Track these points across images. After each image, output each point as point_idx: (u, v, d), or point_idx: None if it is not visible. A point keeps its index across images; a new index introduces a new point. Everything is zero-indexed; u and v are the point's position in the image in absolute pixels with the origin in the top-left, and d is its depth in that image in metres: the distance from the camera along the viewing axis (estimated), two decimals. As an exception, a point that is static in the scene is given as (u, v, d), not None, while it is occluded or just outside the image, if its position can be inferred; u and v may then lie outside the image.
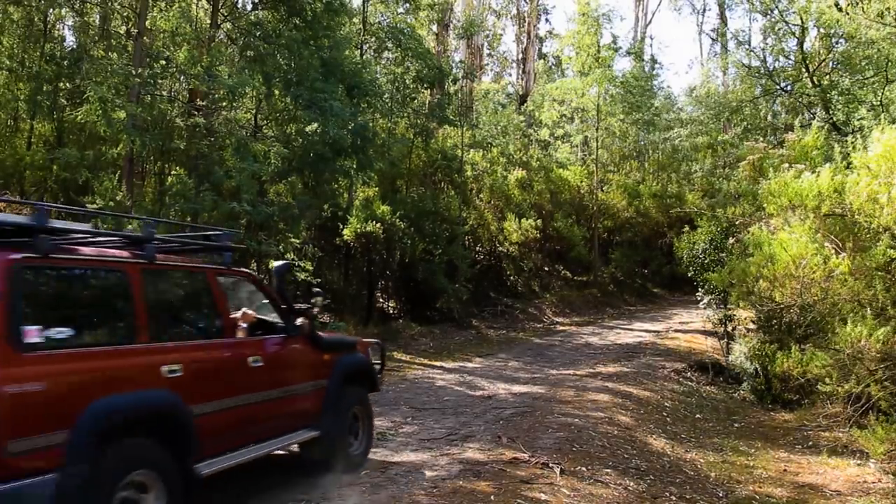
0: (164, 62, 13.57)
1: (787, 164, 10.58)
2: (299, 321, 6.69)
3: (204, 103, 13.65)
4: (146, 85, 12.80)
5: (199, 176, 13.05)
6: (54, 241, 4.67)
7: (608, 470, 8.12)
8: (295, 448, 7.08)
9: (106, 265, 5.11)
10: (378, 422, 10.16)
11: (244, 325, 6.57)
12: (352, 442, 7.37)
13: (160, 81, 13.78)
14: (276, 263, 7.41)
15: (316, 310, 6.93)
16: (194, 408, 5.16)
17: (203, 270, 6.09)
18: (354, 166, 15.58)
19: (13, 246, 4.41)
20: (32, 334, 4.24)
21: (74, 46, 16.95)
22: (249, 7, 16.50)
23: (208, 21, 15.20)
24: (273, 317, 6.75)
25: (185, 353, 5.32)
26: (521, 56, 39.99)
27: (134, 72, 12.29)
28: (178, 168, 14.78)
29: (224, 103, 13.79)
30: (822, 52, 21.54)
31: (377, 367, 8.02)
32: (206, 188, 12.80)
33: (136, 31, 13.76)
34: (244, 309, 6.67)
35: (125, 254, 5.34)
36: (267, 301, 6.76)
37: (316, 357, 6.84)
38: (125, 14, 16.30)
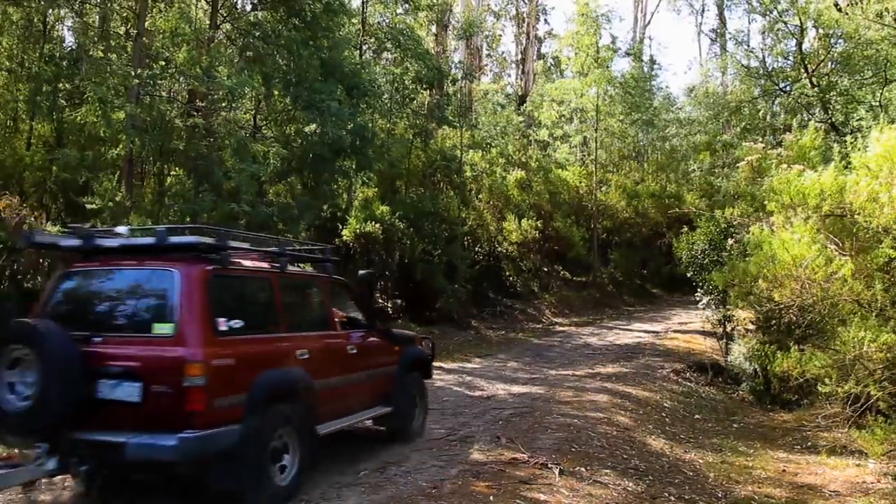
0: (163, 63, 13.56)
1: (784, 165, 10.58)
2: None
3: (203, 104, 13.64)
4: (145, 85, 12.78)
5: (198, 176, 13.04)
6: (229, 256, 6.19)
7: (607, 470, 8.13)
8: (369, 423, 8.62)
9: (258, 274, 6.79)
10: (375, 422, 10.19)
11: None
12: (415, 417, 8.94)
13: (159, 82, 13.76)
14: (360, 272, 10.06)
15: (391, 311, 8.24)
16: (316, 383, 6.66)
17: (316, 278, 7.90)
18: (354, 167, 15.59)
19: (203, 260, 5.94)
20: (222, 324, 5.81)
21: (74, 47, 16.94)
22: (249, 7, 16.50)
23: (207, 22, 15.19)
24: (356, 314, 8.44)
25: (310, 341, 6.93)
26: (520, 56, 40.03)
27: (133, 72, 12.28)
28: (177, 169, 14.77)
29: (223, 104, 13.78)
30: (820, 52, 21.51)
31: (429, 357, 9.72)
32: (205, 189, 12.79)
33: (135, 31, 13.74)
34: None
35: (265, 264, 6.95)
36: (353, 302, 8.48)
37: (390, 348, 8.48)
38: (124, 15, 16.29)
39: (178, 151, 14.01)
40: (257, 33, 14.60)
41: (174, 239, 5.99)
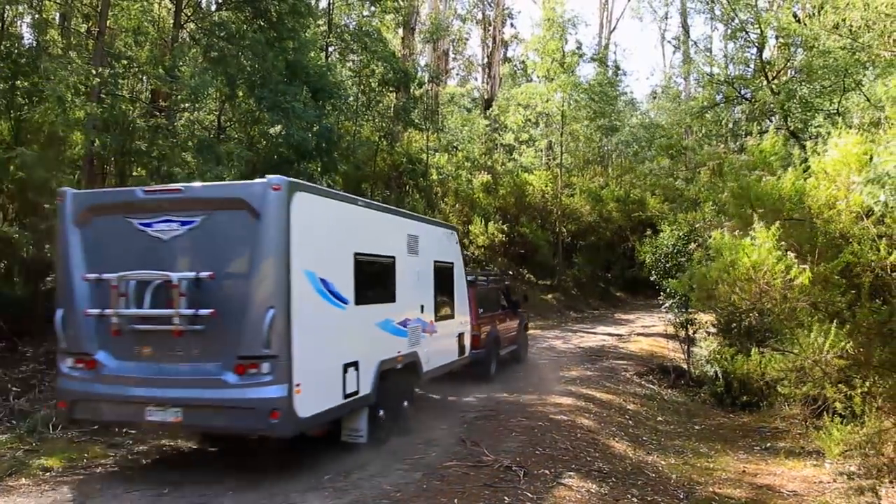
0: (125, 62, 13.34)
1: (745, 170, 10.75)
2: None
3: (166, 104, 13.46)
4: (107, 84, 12.55)
5: (160, 177, 12.87)
6: (475, 278, 14.23)
7: (571, 473, 8.17)
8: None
9: (484, 287, 14.43)
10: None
11: None
12: (525, 352, 16.77)
13: (121, 81, 13.54)
14: (506, 283, 17.03)
15: (518, 300, 16.30)
16: (500, 334, 14.33)
17: (497, 287, 15.48)
18: (319, 169, 15.48)
19: (474, 285, 13.41)
20: (481, 311, 13.45)
21: (33, 44, 16.59)
22: (213, 7, 16.30)
23: (171, 21, 15.00)
24: (503, 301, 15.54)
25: (496, 316, 14.44)
26: (486, 60, 40.14)
27: (94, 71, 12.05)
28: (139, 169, 14.54)
29: (187, 104, 13.62)
30: (780, 60, 21.85)
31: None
32: (167, 190, 12.60)
33: (96, 29, 13.47)
34: None
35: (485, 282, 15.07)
36: (503, 294, 15.72)
37: (517, 317, 15.98)
38: (86, 12, 15.99)
39: (140, 151, 13.76)
40: (222, 33, 14.42)
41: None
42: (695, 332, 16.55)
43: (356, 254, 8.30)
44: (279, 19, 14.57)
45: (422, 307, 10.29)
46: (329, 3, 22.00)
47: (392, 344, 9.12)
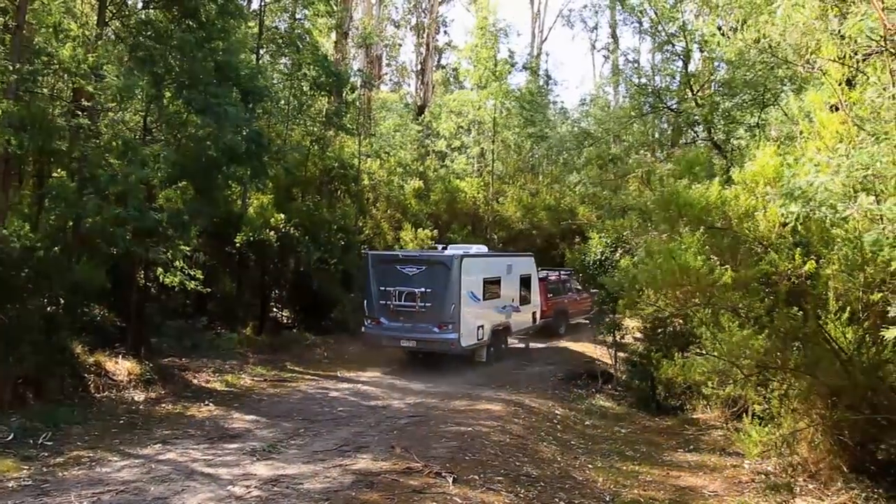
0: (45, 58, 12.82)
1: (672, 179, 11.04)
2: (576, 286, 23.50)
3: (90, 104, 13.00)
4: (25, 81, 12.06)
5: (82, 179, 12.43)
6: (546, 274, 22.32)
7: (500, 478, 8.22)
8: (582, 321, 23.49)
9: (553, 278, 22.64)
10: (268, 433, 10.01)
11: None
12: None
13: (41, 78, 13.03)
14: (579, 275, 21.55)
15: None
16: (567, 308, 23.11)
17: (567, 277, 23.13)
18: (248, 173, 15.18)
19: (544, 280, 21.43)
20: (550, 295, 21.89)
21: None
22: (140, 5, 15.85)
23: (95, 17, 14.52)
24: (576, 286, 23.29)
25: (565, 297, 23.01)
26: (419, 67, 40.21)
27: (11, 67, 11.56)
28: (59, 171, 14.02)
29: (112, 104, 13.20)
30: (705, 74, 22.50)
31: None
32: (89, 192, 12.20)
33: (14, 24, 12.93)
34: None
35: (554, 275, 23.10)
36: (576, 282, 23.00)
37: (588, 296, 22.19)
38: (3, 5, 15.37)
39: (61, 152, 13.26)
40: (149, 32, 14.01)
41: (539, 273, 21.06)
42: (622, 338, 16.89)
43: (484, 278, 16.63)
44: (209, 19, 14.24)
45: (512, 299, 18.12)
46: (261, 5, 21.68)
47: (499, 317, 17.25)
